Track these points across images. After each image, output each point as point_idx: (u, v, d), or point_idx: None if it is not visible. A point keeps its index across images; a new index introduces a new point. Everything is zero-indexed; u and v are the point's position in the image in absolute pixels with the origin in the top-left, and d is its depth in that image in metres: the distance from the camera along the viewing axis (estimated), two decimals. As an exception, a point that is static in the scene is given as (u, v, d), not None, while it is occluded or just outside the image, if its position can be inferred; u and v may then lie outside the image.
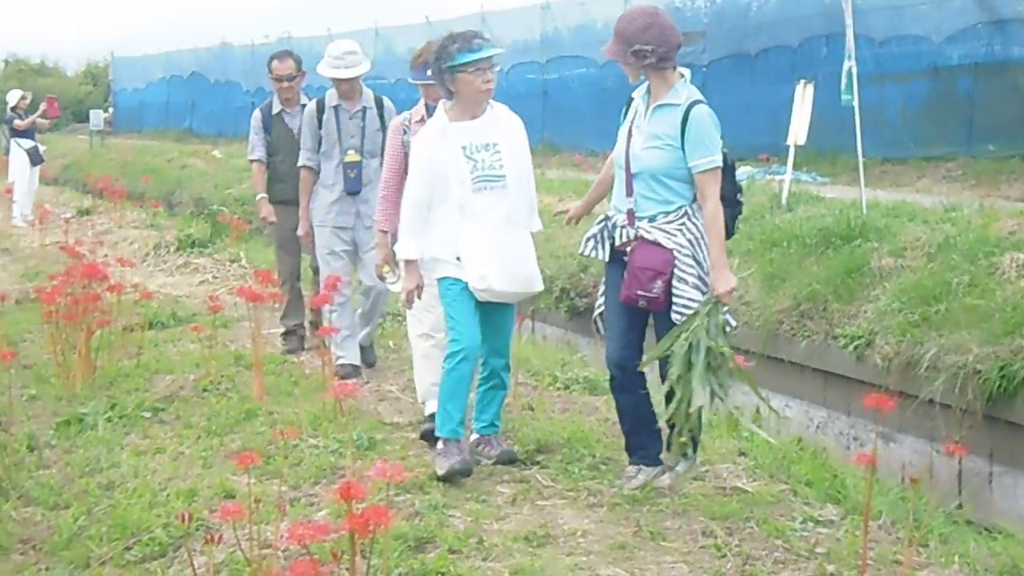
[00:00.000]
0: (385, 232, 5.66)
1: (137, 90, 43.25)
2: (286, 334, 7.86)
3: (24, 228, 15.30)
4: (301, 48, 33.44)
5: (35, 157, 16.46)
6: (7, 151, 17.00)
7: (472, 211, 4.90)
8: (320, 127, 7.04)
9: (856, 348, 7.89)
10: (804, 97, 10.71)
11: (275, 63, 7.81)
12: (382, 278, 5.95)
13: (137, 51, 45.87)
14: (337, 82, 7.02)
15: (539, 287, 5.16)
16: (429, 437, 5.36)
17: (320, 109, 7.07)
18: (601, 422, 6.00)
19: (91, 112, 33.79)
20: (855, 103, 10.06)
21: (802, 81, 10.95)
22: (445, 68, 4.87)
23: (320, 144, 7.05)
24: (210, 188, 20.10)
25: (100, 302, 7.27)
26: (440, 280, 5.03)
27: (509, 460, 5.16)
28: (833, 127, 12.53)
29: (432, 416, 5.41)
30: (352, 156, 6.95)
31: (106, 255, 10.81)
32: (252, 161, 7.93)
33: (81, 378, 6.82)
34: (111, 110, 43.38)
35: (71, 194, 21.98)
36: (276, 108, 7.79)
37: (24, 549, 4.50)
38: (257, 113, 7.92)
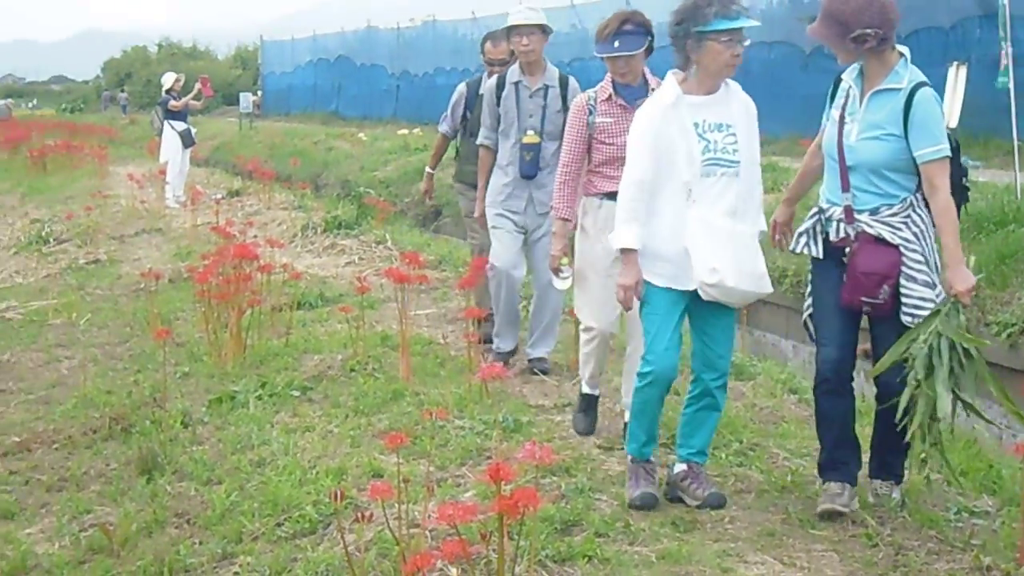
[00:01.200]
0: (566, 220, 5.38)
1: (285, 73, 44.47)
2: (489, 317, 7.18)
3: (176, 209, 15.87)
4: (445, 32, 34.01)
5: (187, 139, 16.97)
6: (160, 133, 17.60)
7: (700, 196, 4.37)
8: (499, 104, 6.65)
9: (1010, 336, 7.73)
10: (957, 79, 10.45)
11: (488, 45, 7.37)
12: (557, 271, 5.54)
13: (285, 35, 47.15)
14: (520, 52, 6.58)
15: (769, 288, 4.58)
16: (580, 414, 5.55)
17: (500, 85, 6.67)
18: (747, 408, 5.98)
19: (240, 95, 34.90)
20: (1011, 85, 9.87)
21: (955, 63, 10.69)
22: (693, 32, 4.35)
23: (499, 122, 6.69)
24: (356, 170, 20.54)
25: (251, 282, 7.51)
26: (648, 290, 4.49)
27: (717, 504, 4.57)
28: (986, 110, 12.21)
29: (584, 395, 5.56)
30: (530, 137, 6.52)
31: (255, 236, 11.17)
32: (440, 133, 7.72)
33: (232, 356, 7.08)
34: (260, 93, 44.75)
35: (221, 175, 22.71)
36: (484, 88, 7.23)
37: (179, 523, 4.70)
38: (462, 87, 7.56)
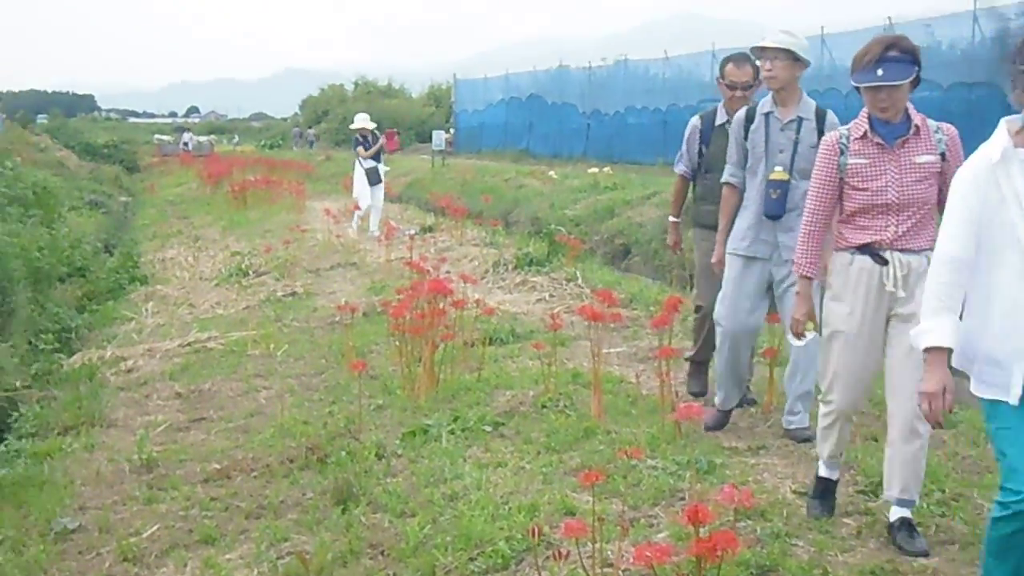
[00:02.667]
0: (808, 279, 4.82)
1: (477, 111, 45.37)
2: (696, 367, 7.13)
3: (364, 240, 16.34)
4: (637, 71, 34.20)
5: (372, 177, 17.50)
6: (354, 171, 18.25)
7: None
8: (746, 138, 6.09)
9: None
10: None
11: (730, 67, 6.70)
12: (799, 336, 4.97)
13: (478, 73, 48.06)
14: (764, 77, 6.03)
15: None
16: (815, 499, 4.99)
17: (749, 117, 6.11)
18: (949, 456, 5.78)
19: (434, 133, 35.77)
20: None
21: None
22: None
23: (746, 158, 6.12)
24: (546, 208, 20.74)
25: (444, 317, 7.68)
26: (988, 404, 3.60)
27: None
28: None
29: (820, 478, 5.00)
30: (778, 173, 5.92)
31: (448, 271, 11.40)
32: (678, 175, 7.20)
33: (425, 390, 7.24)
34: (452, 131, 45.72)
35: (414, 211, 23.28)
36: (720, 118, 6.81)
37: (373, 554, 4.81)
38: (695, 121, 7.02)
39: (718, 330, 6.21)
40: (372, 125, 18.05)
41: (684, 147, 7.04)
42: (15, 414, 8.05)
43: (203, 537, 5.19)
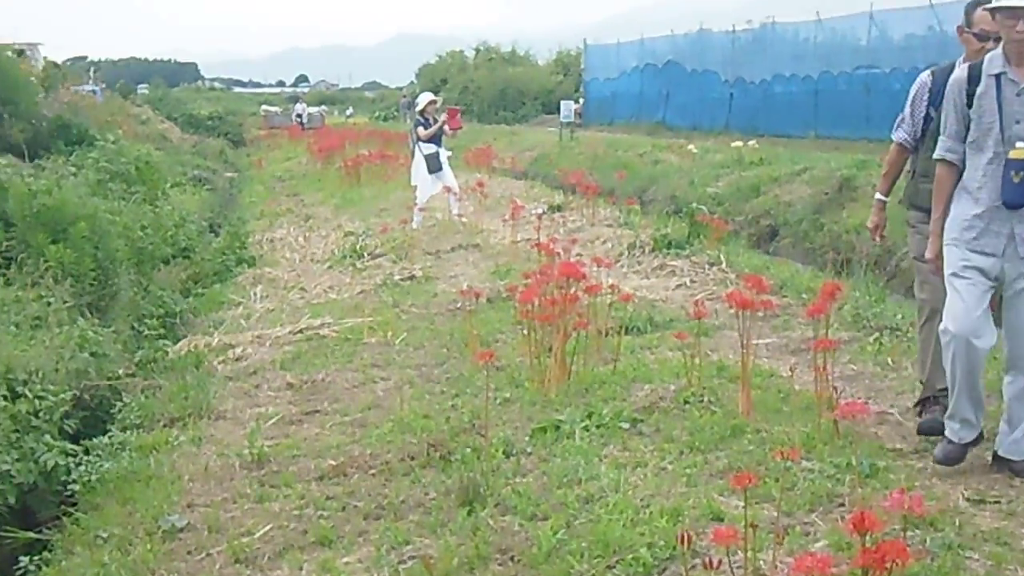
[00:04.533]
0: None
1: (609, 80, 45.22)
2: (926, 401, 6.29)
3: (417, 231, 16.19)
4: (785, 35, 33.74)
5: (433, 164, 16.91)
6: (412, 155, 17.54)
7: None
8: (970, 105, 5.44)
9: None
10: None
11: (980, 13, 5.91)
12: None
13: (610, 38, 47.87)
14: (1005, 28, 5.34)
15: None
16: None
17: (972, 79, 5.45)
18: None
19: (562, 103, 35.64)
20: None
21: None
22: None
23: (968, 129, 5.50)
24: (685, 185, 20.62)
25: (576, 303, 7.70)
26: None
27: None
28: None
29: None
30: (1019, 151, 5.24)
31: (579, 254, 11.41)
32: (895, 143, 6.46)
33: (556, 383, 7.27)
34: (581, 101, 45.56)
35: (541, 189, 23.36)
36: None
37: (503, 559, 4.86)
38: (924, 77, 6.32)
39: (944, 340, 5.41)
40: (439, 102, 17.76)
41: (908, 109, 6.32)
42: (119, 404, 8.29)
43: (319, 538, 5.29)
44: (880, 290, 10.91)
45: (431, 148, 16.86)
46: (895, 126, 6.41)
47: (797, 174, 18.58)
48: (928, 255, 5.70)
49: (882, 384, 7.42)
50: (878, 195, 6.57)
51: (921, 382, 6.34)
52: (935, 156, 5.64)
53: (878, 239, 6.63)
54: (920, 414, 6.26)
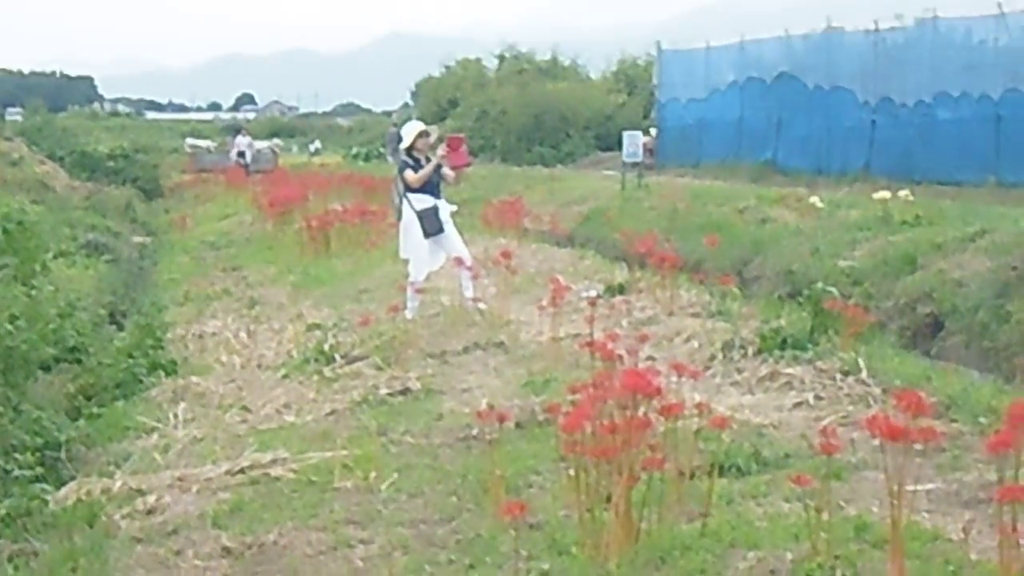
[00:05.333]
0: None
1: (693, 100, 45.56)
2: None
3: (413, 322, 16.17)
4: (953, 35, 33.94)
5: (429, 224, 16.72)
6: (399, 214, 17.40)
7: None
8: None
9: None
10: None
11: None
12: None
13: (694, 41, 48.08)
14: None
15: None
16: None
17: None
18: None
19: (624, 135, 35.69)
20: None
21: None
22: None
23: None
24: (806, 256, 20.66)
25: (648, 431, 7.69)
26: None
27: None
28: None
29: None
30: None
31: (652, 358, 11.43)
32: None
33: (618, 549, 7.25)
34: (654, 132, 45.80)
35: (594, 261, 23.34)
36: None
37: None
38: None
39: None
40: (433, 136, 17.58)
41: None
42: (-26, 579, 8.31)
43: None
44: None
45: (426, 201, 16.89)
46: None
47: (971, 239, 18.61)
48: None
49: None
50: None
51: None
52: None
53: None
54: None
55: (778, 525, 7.76)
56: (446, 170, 17.04)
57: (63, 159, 45.84)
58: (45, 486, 10.20)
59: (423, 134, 17.28)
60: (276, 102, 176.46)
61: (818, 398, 11.57)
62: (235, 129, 77.86)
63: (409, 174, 16.85)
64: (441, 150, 17.07)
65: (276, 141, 76.05)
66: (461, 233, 17.56)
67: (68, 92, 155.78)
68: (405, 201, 17.02)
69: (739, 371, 12.76)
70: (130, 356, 15.32)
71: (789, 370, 12.48)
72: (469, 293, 17.07)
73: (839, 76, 37.55)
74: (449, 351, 14.63)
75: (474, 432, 10.38)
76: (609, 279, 19.65)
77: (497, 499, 7.90)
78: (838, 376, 12.14)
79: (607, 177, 37.31)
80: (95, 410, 13.36)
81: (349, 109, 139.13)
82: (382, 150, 66.23)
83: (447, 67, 75.65)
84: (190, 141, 72.57)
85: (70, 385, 14.05)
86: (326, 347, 14.92)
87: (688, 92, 46.07)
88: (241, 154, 57.43)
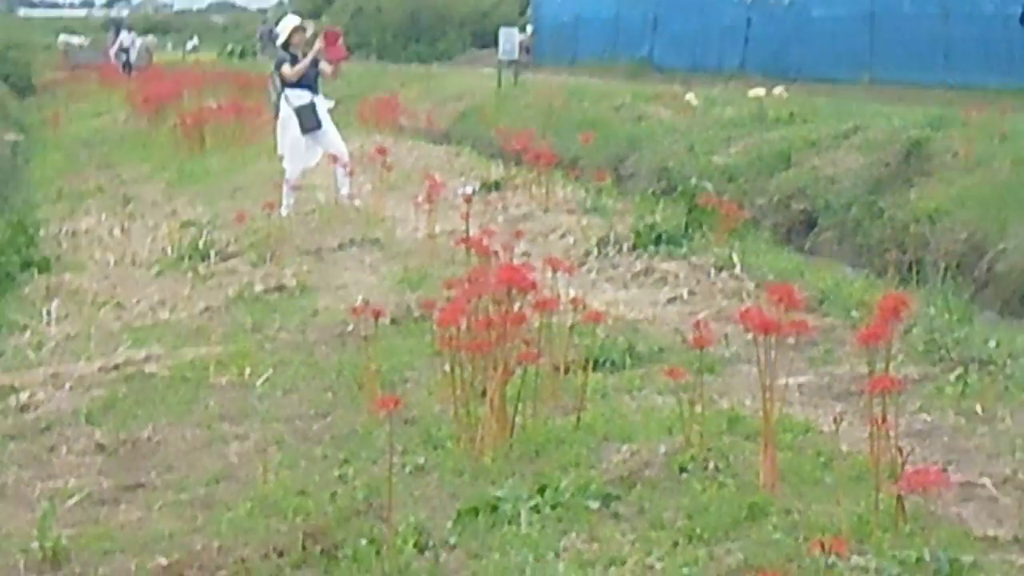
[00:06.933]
0: None
1: (570, -1, 45.25)
2: None
3: (289, 219, 16.07)
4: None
5: (307, 120, 16.68)
6: (277, 111, 17.32)
7: None
8: None
9: None
10: None
11: None
12: None
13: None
14: None
15: None
16: None
17: None
18: None
19: (501, 32, 35.41)
20: None
21: None
22: None
23: None
24: (681, 153, 20.72)
25: (522, 327, 7.69)
26: None
27: None
28: None
29: None
30: None
31: (527, 253, 11.41)
32: None
33: (493, 443, 7.25)
34: (530, 29, 45.59)
35: (470, 158, 23.29)
36: None
37: None
38: None
39: None
40: (309, 30, 17.50)
41: None
42: None
43: None
44: (965, 305, 11.00)
45: (303, 97, 16.77)
46: None
47: (845, 136, 18.74)
48: None
49: (967, 443, 7.46)
50: None
51: None
52: None
53: None
54: None
55: (652, 418, 7.79)
56: (323, 65, 16.96)
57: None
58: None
59: (299, 29, 17.12)
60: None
61: (692, 293, 11.63)
62: (115, 25, 76.53)
63: (286, 68, 16.72)
64: (319, 44, 16.96)
65: (150, 38, 74.93)
66: (338, 130, 17.44)
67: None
68: (282, 97, 16.87)
69: (614, 267, 12.80)
70: (2, 253, 15.11)
71: (664, 265, 12.54)
72: (345, 190, 17.03)
73: (714, -26, 37.58)
74: (325, 248, 14.56)
75: (349, 328, 10.31)
76: (485, 176, 19.62)
77: (372, 394, 7.86)
78: (712, 271, 12.22)
79: (484, 75, 37.08)
80: (-36, 308, 13.18)
81: (224, 7, 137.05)
82: (257, 47, 65.52)
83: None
84: (63, 38, 71.51)
85: (-63, 284, 13.84)
86: (201, 244, 14.81)
87: (565, -10, 45.96)
88: (125, 50, 56.48)
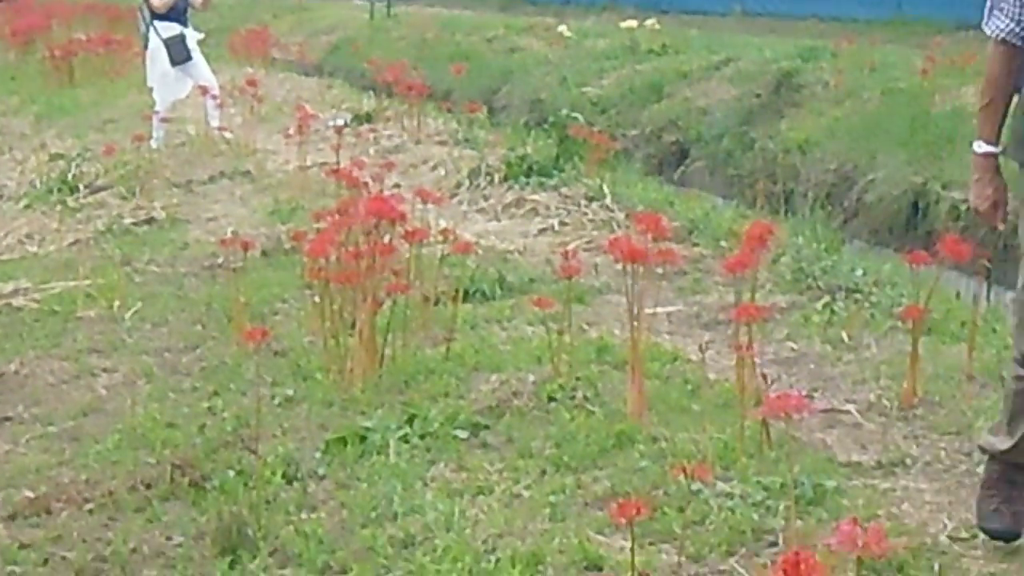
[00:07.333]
0: None
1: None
2: (1006, 473, 5.37)
3: (159, 152, 15.99)
4: None
5: (176, 52, 16.48)
6: (146, 43, 17.07)
7: None
8: None
9: None
10: None
11: None
12: None
13: None
14: None
15: None
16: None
17: None
18: None
19: (371, -41, 35.26)
20: None
21: None
22: None
23: None
24: (553, 85, 20.72)
25: (392, 257, 7.68)
26: None
27: None
28: None
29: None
30: None
31: (398, 185, 11.36)
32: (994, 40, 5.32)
33: (362, 374, 7.25)
34: (402, -45, 45.22)
35: (342, 90, 23.20)
36: None
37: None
38: None
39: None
40: None
41: None
42: None
43: (6, 608, 5.21)
44: (833, 235, 11.12)
45: (172, 29, 16.53)
46: (987, 13, 5.35)
47: (716, 68, 18.84)
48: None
49: (833, 370, 7.55)
50: (982, 144, 5.38)
51: (989, 450, 5.45)
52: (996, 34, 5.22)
53: (1000, 224, 5.45)
54: (990, 478, 5.44)
55: (521, 348, 7.82)
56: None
57: None
58: None
59: None
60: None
61: (563, 224, 11.64)
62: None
63: (154, 0, 16.46)
64: None
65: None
66: (208, 62, 17.29)
67: None
68: (152, 29, 16.62)
69: (485, 198, 12.77)
70: None
71: (534, 196, 12.52)
72: (215, 122, 16.86)
73: None
74: (195, 180, 14.43)
75: (219, 261, 10.24)
76: (357, 108, 19.47)
77: (241, 327, 7.79)
78: (583, 202, 12.22)
79: (356, 7, 36.82)
80: None
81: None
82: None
83: None
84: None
85: None
86: (70, 177, 14.57)
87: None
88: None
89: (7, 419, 7.42)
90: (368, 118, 18.50)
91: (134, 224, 12.43)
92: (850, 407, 6.84)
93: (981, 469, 5.50)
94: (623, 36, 23.47)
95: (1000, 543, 5.16)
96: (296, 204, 12.41)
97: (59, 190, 14.14)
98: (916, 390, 6.81)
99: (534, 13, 32.41)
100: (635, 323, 6.72)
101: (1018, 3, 5.16)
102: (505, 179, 13.19)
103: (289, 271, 9.73)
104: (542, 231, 11.46)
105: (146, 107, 17.28)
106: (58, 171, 14.93)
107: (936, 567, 4.95)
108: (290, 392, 7.31)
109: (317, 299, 7.75)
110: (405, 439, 6.42)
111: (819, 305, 8.68)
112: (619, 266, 7.19)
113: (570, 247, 9.42)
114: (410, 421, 6.60)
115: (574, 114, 15.29)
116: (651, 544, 4.99)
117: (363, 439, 6.44)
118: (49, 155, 16.38)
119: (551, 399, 6.86)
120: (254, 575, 5.20)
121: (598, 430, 6.35)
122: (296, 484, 6.05)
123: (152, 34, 16.61)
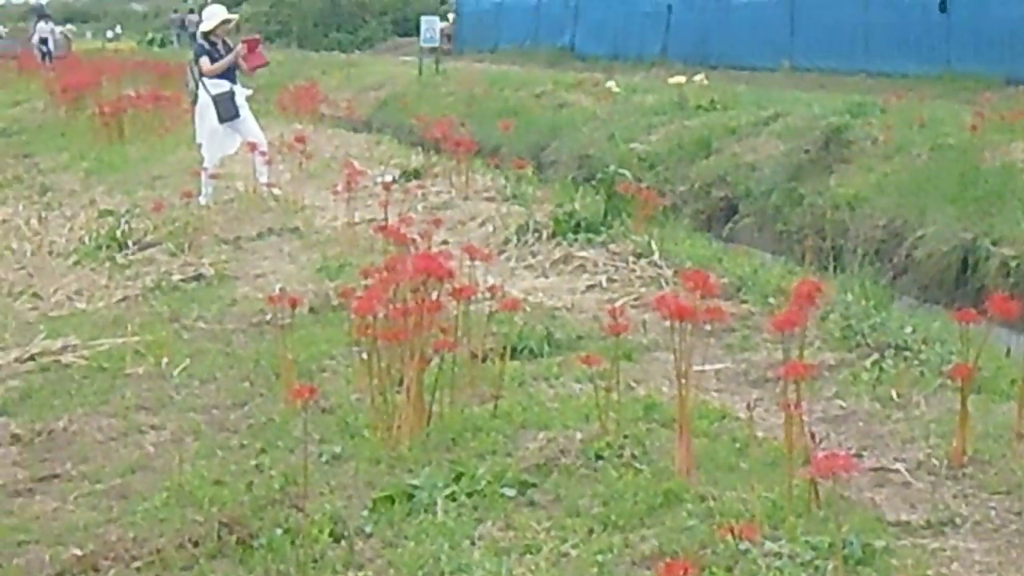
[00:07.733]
0: None
1: (492, -14, 45.23)
2: None
3: (207, 208, 16.03)
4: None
5: (225, 109, 16.56)
6: (195, 99, 17.24)
7: None
8: None
9: None
10: None
11: None
12: None
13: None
14: None
15: None
16: None
17: None
18: None
19: (422, 20, 35.42)
20: None
21: None
22: None
23: None
24: (601, 140, 20.74)
25: (439, 315, 7.70)
26: None
27: None
28: None
29: None
30: None
31: (446, 242, 11.37)
32: None
33: (410, 431, 7.25)
34: (452, 17, 45.50)
35: (390, 146, 23.27)
36: None
37: None
38: None
39: None
40: (232, 21, 17.49)
41: None
42: None
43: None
44: (882, 291, 11.08)
45: (221, 86, 16.66)
46: None
47: (765, 123, 18.83)
48: None
49: (882, 429, 7.52)
50: None
51: None
52: None
53: None
54: None
55: (569, 405, 7.80)
56: (243, 64, 16.90)
57: None
58: None
59: (227, 21, 17.13)
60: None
61: (611, 280, 11.64)
62: (36, 14, 75.94)
63: (205, 63, 16.59)
64: (240, 48, 16.83)
65: (69, 26, 74.47)
66: (257, 118, 17.40)
67: None
68: (201, 85, 16.77)
69: (533, 254, 12.79)
70: (-83, 244, 15.00)
71: (582, 253, 12.54)
72: (264, 178, 16.90)
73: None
74: (243, 237, 14.49)
75: (267, 317, 10.28)
76: (405, 164, 19.61)
77: (289, 384, 7.83)
78: (630, 259, 12.23)
79: (405, 63, 37.11)
80: None
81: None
82: (175, 36, 65.12)
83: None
84: (-20, 26, 70.89)
85: None
86: (119, 233, 14.68)
87: (486, -23, 45.94)
88: (44, 41, 56.05)
89: (55, 476, 7.45)
90: (416, 174, 18.60)
91: (183, 281, 12.47)
92: (899, 466, 6.81)
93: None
94: (671, 92, 23.53)
95: None
96: (344, 261, 12.44)
97: (108, 246, 14.25)
98: (966, 449, 6.78)
99: (582, 69, 32.57)
100: (683, 380, 6.71)
101: None
102: (553, 235, 13.21)
103: (337, 328, 9.75)
104: (590, 288, 11.45)
105: (195, 163, 17.37)
106: (107, 227, 15.05)
107: (988, 630, 4.93)
108: (337, 449, 7.32)
109: (365, 356, 7.75)
110: (452, 497, 6.42)
111: (868, 363, 8.66)
112: (667, 323, 7.18)
113: (618, 304, 9.43)
114: (457, 479, 6.60)
115: (622, 170, 15.32)
116: (699, 604, 4.98)
117: (410, 497, 6.45)
118: (98, 211, 16.52)
119: (599, 457, 6.84)
120: (301, 634, 5.21)
121: (646, 488, 6.34)
122: (343, 542, 6.04)
123: (201, 91, 16.76)
